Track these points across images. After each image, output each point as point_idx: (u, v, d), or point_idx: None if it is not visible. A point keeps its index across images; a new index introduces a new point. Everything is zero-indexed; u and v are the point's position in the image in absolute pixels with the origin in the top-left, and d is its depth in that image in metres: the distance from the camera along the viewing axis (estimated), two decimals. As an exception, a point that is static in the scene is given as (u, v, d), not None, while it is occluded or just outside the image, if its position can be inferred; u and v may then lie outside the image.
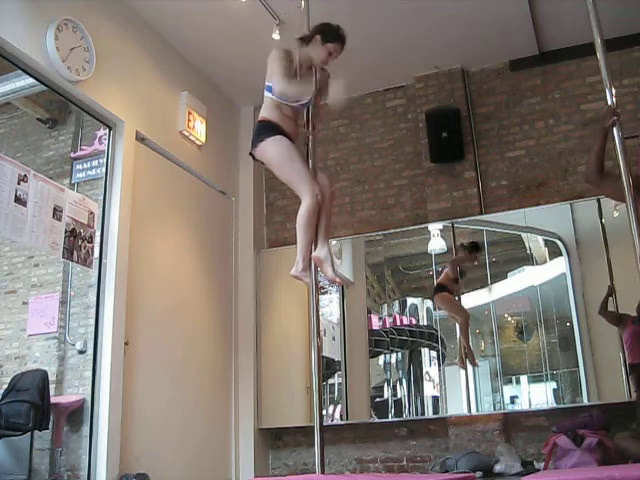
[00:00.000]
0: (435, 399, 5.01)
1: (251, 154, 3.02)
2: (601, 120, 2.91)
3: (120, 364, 3.89)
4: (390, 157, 5.47)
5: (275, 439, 5.21)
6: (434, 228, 5.16)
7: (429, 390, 5.04)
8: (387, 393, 5.19)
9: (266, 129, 2.93)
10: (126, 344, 3.97)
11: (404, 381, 5.21)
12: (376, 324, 5.32)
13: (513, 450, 4.37)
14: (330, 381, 5.30)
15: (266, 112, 2.99)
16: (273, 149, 2.90)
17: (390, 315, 5.31)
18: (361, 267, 5.54)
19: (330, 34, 3.00)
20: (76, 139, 5.37)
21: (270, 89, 2.97)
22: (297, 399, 5.21)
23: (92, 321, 4.01)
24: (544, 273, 4.96)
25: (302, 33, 3.12)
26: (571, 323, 4.67)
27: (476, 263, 5.05)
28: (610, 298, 4.42)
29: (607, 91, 2.81)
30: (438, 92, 5.33)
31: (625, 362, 4.27)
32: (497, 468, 4.25)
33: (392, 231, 5.30)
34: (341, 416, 5.14)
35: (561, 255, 4.89)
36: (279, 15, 4.53)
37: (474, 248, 5.03)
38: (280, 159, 2.91)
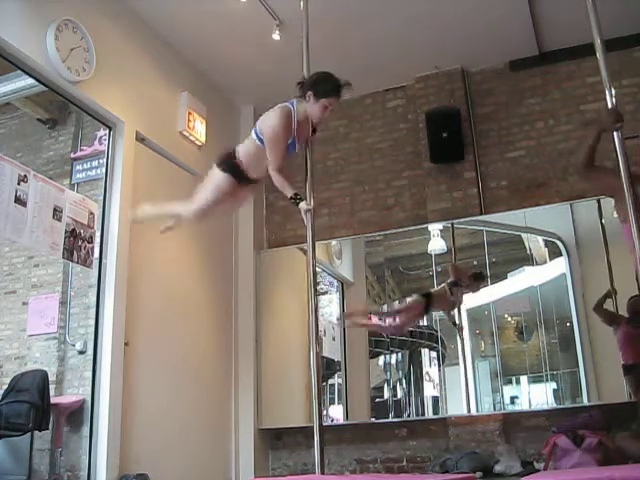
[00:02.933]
0: (435, 399, 5.01)
1: None
2: (602, 120, 2.83)
3: (120, 364, 3.89)
4: (390, 157, 5.47)
5: (275, 439, 5.21)
6: (434, 228, 5.16)
7: (429, 390, 5.04)
8: (387, 393, 5.19)
9: (226, 162, 3.14)
10: (126, 344, 3.97)
11: (404, 381, 5.21)
12: (376, 324, 5.32)
13: (513, 450, 4.37)
14: (330, 381, 5.30)
15: (244, 148, 3.10)
16: (213, 176, 3.20)
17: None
18: (361, 267, 5.54)
19: (322, 90, 2.87)
20: (76, 139, 5.37)
21: (257, 135, 3.01)
22: (297, 399, 5.21)
23: (92, 321, 4.01)
24: (544, 273, 4.96)
25: (301, 77, 2.98)
26: (571, 323, 4.67)
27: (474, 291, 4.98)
28: (609, 300, 4.41)
29: (607, 91, 2.79)
30: (438, 92, 5.33)
31: (625, 362, 4.28)
32: (497, 468, 4.25)
33: (392, 231, 5.29)
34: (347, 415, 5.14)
35: (561, 255, 4.88)
36: (279, 15, 4.53)
37: (478, 277, 4.96)
38: (210, 182, 3.23)
